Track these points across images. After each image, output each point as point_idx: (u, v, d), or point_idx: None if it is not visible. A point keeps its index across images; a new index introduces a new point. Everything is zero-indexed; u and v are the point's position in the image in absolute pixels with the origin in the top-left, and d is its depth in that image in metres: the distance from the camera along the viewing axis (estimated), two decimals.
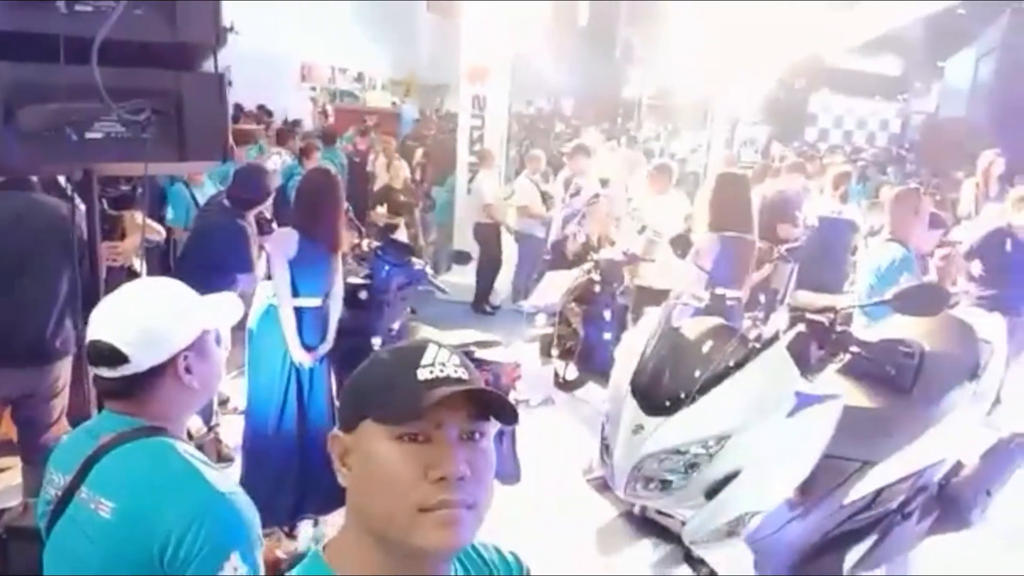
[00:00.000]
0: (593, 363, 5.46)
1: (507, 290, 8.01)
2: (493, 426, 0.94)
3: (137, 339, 1.48)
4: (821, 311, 2.61)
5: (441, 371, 0.92)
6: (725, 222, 3.95)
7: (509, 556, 1.13)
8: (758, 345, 2.40)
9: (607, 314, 5.49)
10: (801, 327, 2.49)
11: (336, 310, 3.79)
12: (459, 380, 0.92)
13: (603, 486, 2.63)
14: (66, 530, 1.45)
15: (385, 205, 6.55)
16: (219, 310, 1.65)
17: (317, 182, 3.75)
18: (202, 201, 5.33)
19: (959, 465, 3.31)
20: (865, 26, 16.92)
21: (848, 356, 2.63)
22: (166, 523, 1.34)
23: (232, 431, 4.35)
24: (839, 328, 2.51)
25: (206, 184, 5.80)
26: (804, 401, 2.41)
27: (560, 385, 5.67)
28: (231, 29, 2.36)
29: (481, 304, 7.73)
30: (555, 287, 5.63)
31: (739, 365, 2.36)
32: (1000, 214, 5.68)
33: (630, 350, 2.60)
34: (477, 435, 0.92)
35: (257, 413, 3.62)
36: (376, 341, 4.65)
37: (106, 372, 1.48)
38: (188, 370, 1.53)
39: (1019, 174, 8.41)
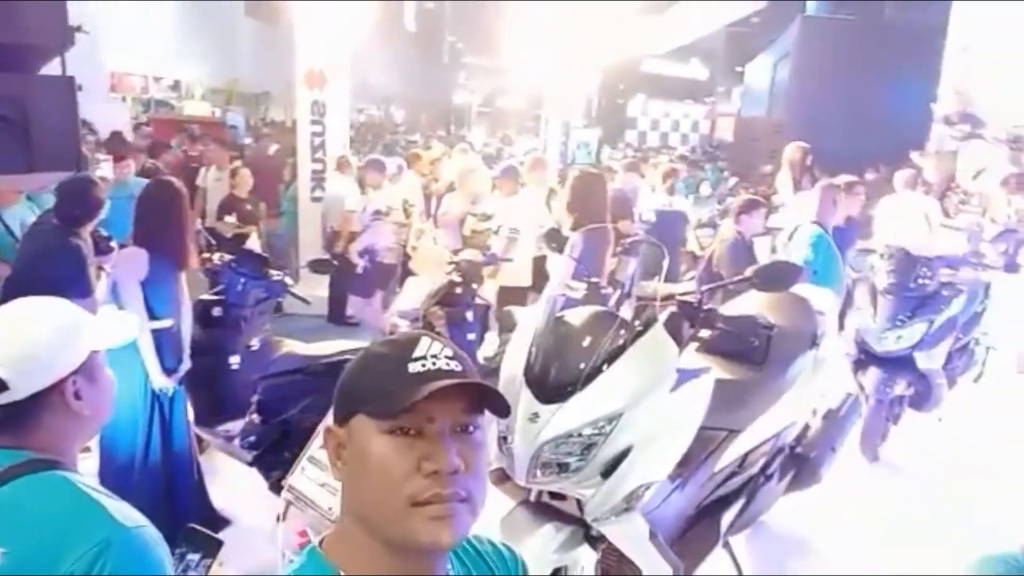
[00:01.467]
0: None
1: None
2: (486, 419, 0.95)
3: (16, 364, 1.34)
4: (667, 298, 2.82)
5: (433, 364, 0.91)
6: (587, 217, 4.17)
7: (504, 550, 1.13)
8: (640, 327, 2.55)
9: (469, 315, 5.53)
10: (673, 308, 2.67)
11: (188, 329, 3.59)
12: (451, 372, 0.91)
13: (500, 478, 2.67)
14: None
15: (234, 215, 6.22)
16: (109, 328, 1.52)
17: (160, 195, 3.51)
18: (15, 226, 4.77)
19: (807, 427, 3.67)
20: (673, 34, 18.24)
21: (713, 332, 2.85)
22: (67, 565, 1.21)
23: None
24: (706, 307, 2.72)
25: (20, 205, 5.20)
26: (683, 376, 2.59)
27: None
28: (79, 29, 2.17)
29: (339, 316, 7.53)
30: (417, 292, 5.60)
31: (624, 347, 2.48)
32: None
33: (518, 343, 2.66)
34: (470, 428, 0.92)
35: (120, 448, 3.33)
36: (234, 360, 4.43)
37: None
38: (77, 395, 1.40)
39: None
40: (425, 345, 0.93)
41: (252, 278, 4.38)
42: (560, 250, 3.65)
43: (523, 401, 2.48)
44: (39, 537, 1.25)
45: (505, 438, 2.54)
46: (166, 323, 3.43)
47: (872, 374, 4.59)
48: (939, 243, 6.47)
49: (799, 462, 3.51)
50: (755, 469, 3.30)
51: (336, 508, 2.34)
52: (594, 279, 3.10)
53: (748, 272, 2.80)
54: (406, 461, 0.87)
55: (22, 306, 1.45)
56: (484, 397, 0.93)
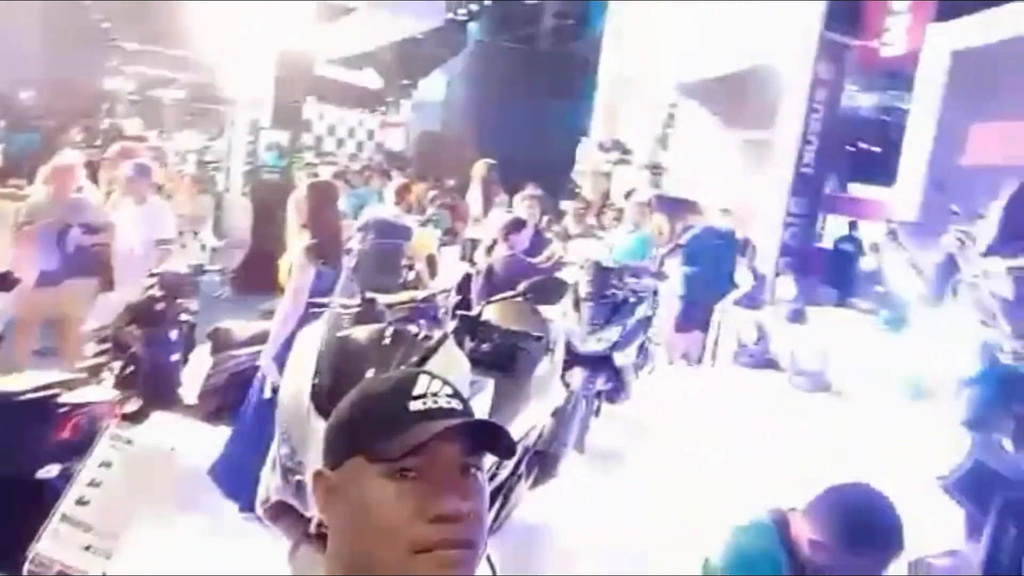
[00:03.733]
0: (161, 390, 4.94)
1: None
2: (487, 459, 0.93)
3: None
4: (408, 303, 2.91)
5: (435, 402, 0.88)
6: (326, 231, 4.01)
7: None
8: (432, 344, 2.57)
9: (173, 334, 5.01)
10: (456, 322, 2.75)
11: None
12: (453, 411, 0.89)
13: (278, 512, 2.50)
14: None
15: None
16: None
17: None
18: None
19: (543, 427, 4.00)
20: (348, 41, 18.30)
21: (487, 345, 2.99)
22: None
23: None
24: (485, 321, 2.84)
25: None
26: (473, 390, 2.68)
27: (123, 417, 4.96)
28: None
29: None
30: (106, 308, 4.91)
31: (420, 365, 2.49)
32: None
33: (298, 364, 2.51)
34: (472, 469, 0.89)
35: None
36: None
37: None
38: None
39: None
40: (425, 383, 0.90)
41: None
42: (328, 264, 3.50)
43: (315, 430, 2.36)
44: None
45: (291, 470, 2.39)
46: None
47: (577, 373, 5.13)
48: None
49: (540, 460, 3.82)
50: (507, 472, 3.51)
51: (111, 570, 2.00)
52: (369, 295, 3.04)
53: (521, 287, 2.99)
54: (408, 505, 0.83)
55: None
56: (486, 437, 0.91)
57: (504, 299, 3.48)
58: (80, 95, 17.89)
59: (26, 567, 2.13)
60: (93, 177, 6.62)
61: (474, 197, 8.75)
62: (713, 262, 7.05)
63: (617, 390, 5.32)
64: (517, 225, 5.50)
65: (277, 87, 9.87)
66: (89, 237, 5.12)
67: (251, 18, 9.80)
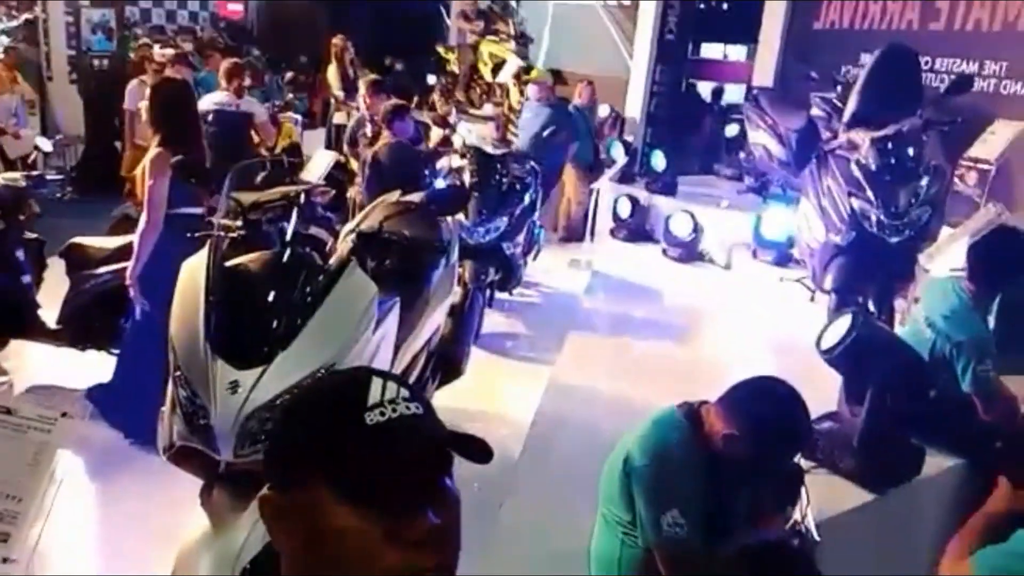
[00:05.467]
0: (16, 315, 4.50)
1: None
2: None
3: None
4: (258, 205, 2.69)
5: (393, 411, 0.78)
6: (178, 136, 3.63)
7: None
8: (333, 270, 2.41)
9: (20, 254, 4.51)
10: (352, 240, 2.59)
11: None
12: (415, 418, 0.80)
13: (188, 454, 2.36)
14: None
15: None
16: None
17: None
18: None
19: (442, 327, 3.96)
20: None
21: (389, 262, 2.85)
22: None
23: None
24: (385, 235, 2.69)
25: None
26: (382, 311, 2.57)
27: None
28: None
29: None
30: None
31: (323, 294, 2.34)
32: None
33: (184, 305, 2.30)
34: (442, 480, 0.81)
35: None
36: None
37: None
38: None
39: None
40: (378, 389, 0.80)
41: None
42: (200, 180, 3.16)
43: (216, 369, 2.21)
44: None
45: (195, 414, 2.24)
46: None
47: (468, 266, 5.08)
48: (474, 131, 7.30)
49: (445, 361, 3.81)
50: (415, 375, 3.48)
51: (11, 554, 1.83)
52: (254, 216, 2.79)
53: (417, 197, 2.83)
54: (375, 531, 0.75)
55: None
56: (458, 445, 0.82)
57: (401, 209, 3.32)
58: None
59: None
60: None
61: (333, 76, 8.19)
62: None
63: (507, 279, 5.33)
64: (399, 111, 5.20)
65: None
66: None
67: None
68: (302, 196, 3.16)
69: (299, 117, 8.54)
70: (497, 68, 10.05)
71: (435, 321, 3.60)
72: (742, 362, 4.51)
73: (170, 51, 7.28)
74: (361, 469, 0.74)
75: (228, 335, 2.26)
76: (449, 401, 4.08)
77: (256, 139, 6.32)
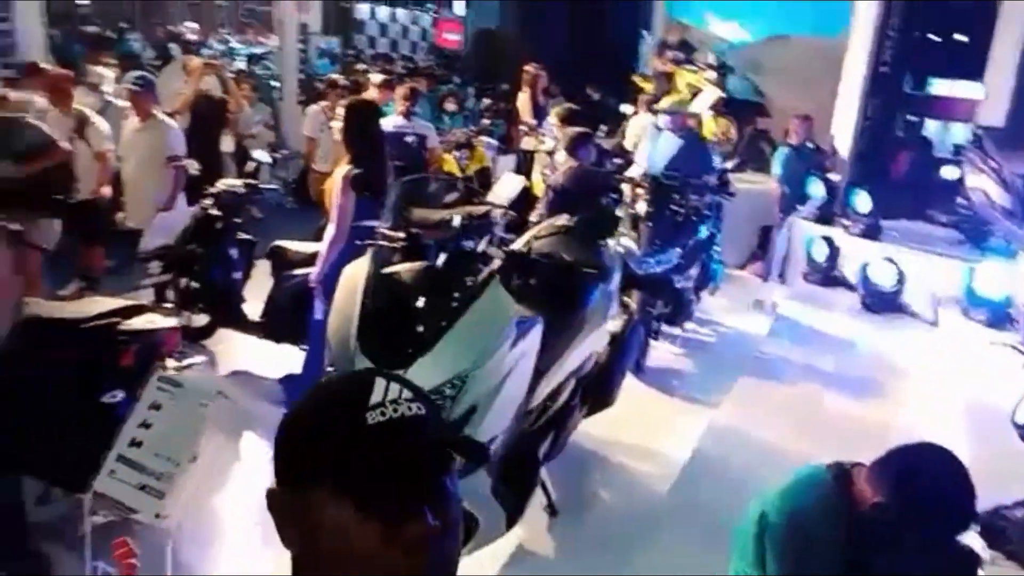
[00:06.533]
0: (225, 306, 5.05)
1: None
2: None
3: None
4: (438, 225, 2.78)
5: (395, 411, 0.78)
6: (368, 152, 3.90)
7: None
8: (479, 285, 2.49)
9: (234, 252, 5.07)
10: (502, 260, 2.65)
11: None
12: (417, 419, 0.79)
13: None
14: None
15: None
16: None
17: None
18: None
19: (599, 355, 3.92)
20: None
21: (536, 281, 2.88)
22: None
23: None
24: (533, 255, 2.73)
25: None
26: (521, 329, 2.60)
27: (191, 336, 5.10)
28: None
29: None
30: (165, 228, 4.97)
31: (466, 306, 2.42)
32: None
33: (343, 305, 2.47)
34: (443, 477, 0.80)
35: None
36: None
37: None
38: None
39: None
40: (381, 388, 0.80)
41: None
42: (371, 193, 3.40)
43: (361, 367, 2.34)
44: None
45: None
46: None
47: (635, 296, 5.00)
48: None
49: (596, 389, 3.76)
50: (562, 401, 3.47)
51: (164, 511, 2.05)
52: (413, 229, 2.94)
53: (569, 220, 2.84)
54: (374, 532, 0.75)
55: None
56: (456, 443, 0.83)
57: (554, 231, 3.34)
58: None
59: (87, 499, 2.20)
60: None
61: (524, 103, 8.39)
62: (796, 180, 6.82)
63: (676, 313, 5.19)
64: (583, 138, 5.25)
65: None
66: None
67: None
68: (485, 216, 3.27)
69: (494, 142, 8.86)
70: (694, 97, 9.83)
71: (589, 347, 3.56)
72: (931, 430, 4.05)
73: (381, 76, 7.82)
74: (361, 467, 0.75)
75: (375, 337, 2.39)
76: (604, 431, 4.05)
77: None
